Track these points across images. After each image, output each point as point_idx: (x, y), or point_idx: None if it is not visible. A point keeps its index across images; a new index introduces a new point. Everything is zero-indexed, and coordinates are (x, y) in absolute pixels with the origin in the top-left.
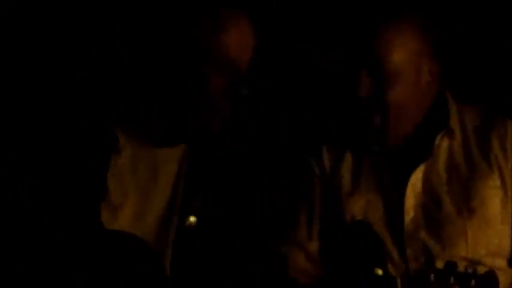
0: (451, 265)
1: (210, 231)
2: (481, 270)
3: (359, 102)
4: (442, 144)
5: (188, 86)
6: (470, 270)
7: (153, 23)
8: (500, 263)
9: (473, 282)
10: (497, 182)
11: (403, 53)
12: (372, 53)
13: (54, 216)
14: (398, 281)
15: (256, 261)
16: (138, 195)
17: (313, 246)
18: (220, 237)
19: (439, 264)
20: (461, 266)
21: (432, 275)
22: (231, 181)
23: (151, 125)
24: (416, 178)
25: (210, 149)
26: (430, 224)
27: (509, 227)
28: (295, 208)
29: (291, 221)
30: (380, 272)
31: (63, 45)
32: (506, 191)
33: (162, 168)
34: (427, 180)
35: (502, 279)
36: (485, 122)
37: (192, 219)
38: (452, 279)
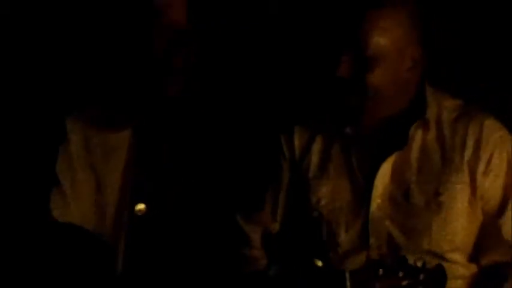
0: (400, 259)
1: (161, 218)
2: (431, 263)
3: (337, 81)
4: (416, 135)
5: (133, 53)
6: (419, 264)
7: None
8: (462, 258)
9: (421, 276)
10: (467, 179)
11: (387, 37)
12: (355, 34)
13: (3, 209)
14: (347, 275)
15: (210, 247)
16: (90, 184)
17: (275, 227)
18: (173, 224)
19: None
20: (411, 260)
21: (381, 269)
22: (185, 164)
23: (101, 105)
24: (387, 167)
25: (160, 129)
26: (396, 214)
27: (475, 225)
28: (260, 188)
29: (256, 201)
30: (319, 263)
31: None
32: (475, 190)
33: (112, 155)
34: (397, 170)
35: (462, 271)
36: (462, 117)
37: (142, 206)
38: (401, 273)
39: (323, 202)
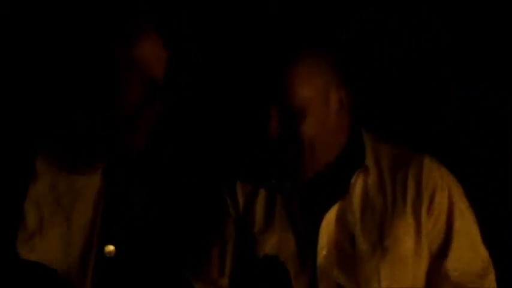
0: None
1: (129, 261)
2: None
3: (270, 138)
4: (357, 182)
5: (104, 104)
6: None
7: (65, 41)
8: None
9: None
10: (411, 221)
11: (309, 87)
12: (278, 89)
13: None
14: None
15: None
16: (57, 224)
17: (225, 283)
18: (140, 266)
19: None
20: None
21: None
22: (149, 209)
23: (69, 149)
24: (331, 216)
25: (128, 173)
26: (344, 262)
27: (423, 267)
28: (207, 245)
29: (203, 257)
30: None
31: None
32: (420, 231)
33: (81, 196)
34: (341, 218)
35: None
36: (401, 159)
37: (111, 248)
38: None
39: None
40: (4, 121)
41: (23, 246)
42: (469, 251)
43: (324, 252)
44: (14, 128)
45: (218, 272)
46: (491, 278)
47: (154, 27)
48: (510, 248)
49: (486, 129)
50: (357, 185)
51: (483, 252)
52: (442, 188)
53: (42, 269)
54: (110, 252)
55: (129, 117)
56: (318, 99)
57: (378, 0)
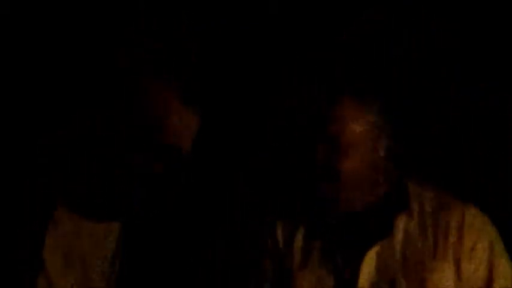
0: None
1: None
2: None
3: (313, 171)
4: (400, 224)
5: (127, 167)
6: None
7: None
8: None
9: None
10: (452, 266)
11: (361, 126)
12: (329, 123)
13: None
14: None
15: None
16: (77, 271)
17: None
18: None
19: None
20: None
21: None
22: (169, 258)
23: (90, 199)
24: (372, 255)
25: (147, 225)
26: None
27: None
28: (244, 281)
29: None
30: None
31: None
32: (460, 276)
33: (102, 243)
34: (382, 260)
35: None
36: (444, 205)
37: None
38: None
39: None
40: (27, 163)
41: None
42: None
43: None
44: (39, 172)
45: None
46: None
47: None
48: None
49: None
50: (399, 226)
51: None
52: (484, 236)
53: None
54: None
55: (147, 183)
56: (367, 137)
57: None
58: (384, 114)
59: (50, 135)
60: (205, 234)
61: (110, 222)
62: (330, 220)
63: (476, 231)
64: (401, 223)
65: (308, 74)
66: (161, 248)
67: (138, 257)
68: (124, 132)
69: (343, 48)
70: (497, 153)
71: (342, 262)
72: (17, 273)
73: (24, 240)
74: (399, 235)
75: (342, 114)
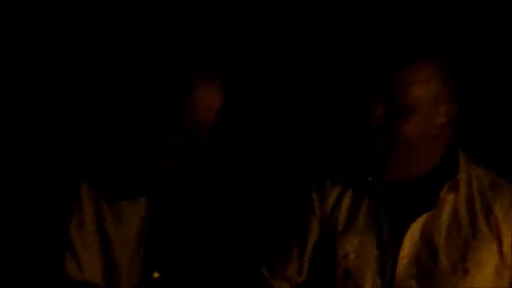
0: None
1: (175, 285)
2: None
3: (369, 131)
4: (448, 197)
5: (150, 142)
6: None
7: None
8: None
9: None
10: (495, 247)
11: (426, 88)
12: (393, 84)
13: (19, 269)
14: None
15: None
16: (102, 248)
17: (301, 281)
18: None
19: None
20: None
21: None
22: (197, 233)
23: (114, 178)
24: (416, 227)
25: (172, 201)
26: (423, 276)
27: None
28: (288, 242)
29: (283, 255)
30: None
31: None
32: (503, 258)
33: (126, 222)
34: (426, 231)
35: None
36: (492, 185)
37: (156, 274)
38: None
39: (350, 257)
40: (52, 147)
41: (71, 269)
42: None
43: (404, 262)
44: (62, 156)
45: (296, 270)
46: None
47: (213, 76)
48: None
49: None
50: (447, 200)
51: None
52: None
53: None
54: (155, 278)
55: (172, 157)
56: (428, 103)
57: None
58: (448, 79)
59: (56, 131)
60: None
61: (133, 201)
62: (379, 186)
63: None
64: (449, 197)
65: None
66: (187, 227)
67: (165, 238)
68: (147, 109)
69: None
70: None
71: (387, 229)
72: (46, 253)
73: (51, 222)
74: (446, 209)
75: (407, 77)
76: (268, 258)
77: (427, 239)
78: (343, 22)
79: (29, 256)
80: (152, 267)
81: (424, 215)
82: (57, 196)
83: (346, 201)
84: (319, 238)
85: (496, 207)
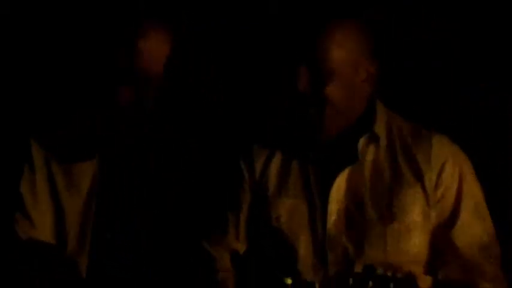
0: (369, 268)
1: (125, 245)
2: (400, 273)
3: (296, 97)
4: (368, 150)
5: (99, 98)
6: (389, 274)
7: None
8: (418, 270)
9: (391, 285)
10: (419, 191)
11: (343, 50)
12: (313, 50)
13: None
14: (317, 286)
15: (178, 271)
16: (53, 207)
17: (240, 247)
18: (137, 249)
19: (358, 269)
20: (380, 270)
21: (351, 279)
22: (146, 193)
23: (65, 137)
24: (341, 182)
25: (123, 161)
26: (352, 229)
27: (429, 237)
28: (222, 211)
29: (219, 224)
30: (289, 281)
31: None
32: (428, 201)
33: (76, 182)
34: (351, 185)
35: (420, 285)
36: (412, 132)
37: (108, 235)
38: (370, 283)
39: (282, 219)
40: (4, 117)
41: (21, 227)
42: (476, 223)
43: (334, 218)
44: (14, 124)
45: (234, 236)
46: (496, 251)
47: (159, 25)
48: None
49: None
50: (368, 152)
51: (489, 226)
52: (453, 162)
53: (41, 245)
54: (106, 238)
55: (121, 113)
56: (347, 64)
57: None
58: (364, 37)
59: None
60: (182, 170)
61: (85, 161)
62: (307, 147)
63: (444, 157)
64: (370, 149)
65: (278, 122)
66: (137, 187)
67: (115, 198)
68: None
69: None
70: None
71: (316, 189)
72: None
73: (1, 181)
74: (368, 161)
75: (322, 41)
76: (206, 229)
77: (352, 193)
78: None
79: None
80: (103, 227)
81: (346, 170)
82: (7, 155)
83: (276, 165)
84: (253, 203)
85: (417, 150)
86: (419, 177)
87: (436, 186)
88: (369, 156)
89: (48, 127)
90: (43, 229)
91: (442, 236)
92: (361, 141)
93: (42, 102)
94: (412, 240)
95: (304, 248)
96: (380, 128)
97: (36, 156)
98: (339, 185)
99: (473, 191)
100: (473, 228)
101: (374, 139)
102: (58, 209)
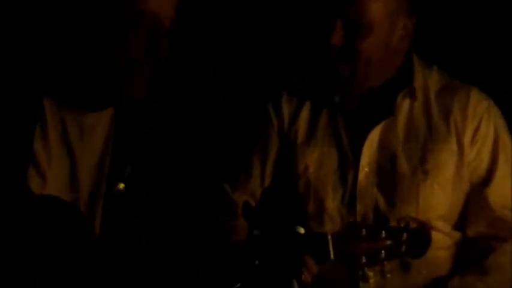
0: (382, 220)
1: (139, 197)
2: (413, 224)
3: (329, 49)
4: (404, 104)
5: (110, 50)
6: (402, 224)
7: None
8: (447, 226)
9: (404, 236)
10: (454, 147)
11: (381, 5)
12: (349, 1)
13: None
14: (329, 237)
15: (187, 226)
16: (66, 161)
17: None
18: (150, 203)
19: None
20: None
21: (364, 230)
22: (161, 145)
23: (78, 91)
24: (374, 135)
25: (137, 113)
26: (383, 182)
27: (462, 194)
28: (248, 157)
29: (244, 169)
30: (302, 230)
31: None
32: (462, 158)
33: (90, 134)
34: (384, 139)
35: (446, 240)
36: (448, 87)
37: (121, 185)
38: (383, 234)
39: (310, 169)
40: (15, 60)
41: (34, 183)
42: (509, 183)
43: (366, 171)
44: (23, 67)
45: (259, 183)
46: None
47: None
48: None
49: None
50: (403, 107)
51: None
52: (488, 119)
53: (53, 201)
54: (119, 190)
55: (132, 66)
56: (385, 19)
57: None
58: None
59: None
60: (205, 117)
61: (98, 113)
62: (337, 99)
63: (480, 113)
64: (405, 103)
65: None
66: (152, 138)
67: (129, 150)
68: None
69: None
70: None
71: (347, 140)
72: (10, 167)
73: (14, 138)
74: (402, 115)
75: None
76: (230, 174)
77: (385, 146)
78: None
79: None
80: (116, 179)
81: (382, 123)
82: (20, 111)
83: (305, 114)
84: (280, 151)
85: (455, 106)
86: (454, 132)
87: (471, 143)
88: (404, 111)
89: (60, 85)
90: (57, 185)
91: (475, 195)
92: (400, 96)
93: (53, 62)
94: (444, 197)
95: (331, 199)
96: (418, 82)
97: (49, 110)
98: (373, 138)
99: (508, 149)
100: (505, 189)
101: (411, 94)
102: (72, 164)
